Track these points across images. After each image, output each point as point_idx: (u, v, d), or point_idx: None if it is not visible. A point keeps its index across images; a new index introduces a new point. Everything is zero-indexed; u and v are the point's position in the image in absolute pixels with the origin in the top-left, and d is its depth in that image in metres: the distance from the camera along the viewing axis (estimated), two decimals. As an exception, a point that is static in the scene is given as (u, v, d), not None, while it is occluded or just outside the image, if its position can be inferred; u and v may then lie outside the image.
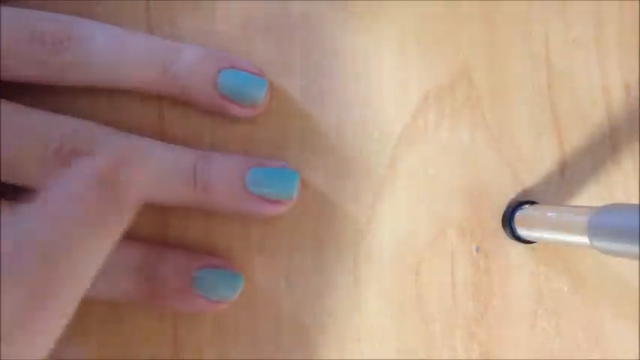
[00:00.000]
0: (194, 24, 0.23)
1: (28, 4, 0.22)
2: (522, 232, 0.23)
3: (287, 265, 0.23)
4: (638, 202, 0.24)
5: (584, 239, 0.18)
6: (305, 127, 0.23)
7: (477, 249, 0.24)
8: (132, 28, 0.23)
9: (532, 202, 0.23)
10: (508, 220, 0.23)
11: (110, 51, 0.20)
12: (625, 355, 0.24)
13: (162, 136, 0.23)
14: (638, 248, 0.16)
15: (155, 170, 0.20)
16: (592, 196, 0.24)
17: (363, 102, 0.24)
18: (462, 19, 0.24)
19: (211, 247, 0.23)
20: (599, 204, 0.18)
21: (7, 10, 0.20)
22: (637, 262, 0.24)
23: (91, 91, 0.22)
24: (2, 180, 0.20)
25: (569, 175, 0.24)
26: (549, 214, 0.21)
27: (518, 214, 0.23)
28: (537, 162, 0.24)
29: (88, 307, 0.22)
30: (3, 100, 0.20)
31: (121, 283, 0.20)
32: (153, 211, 0.23)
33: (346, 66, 0.24)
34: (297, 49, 0.24)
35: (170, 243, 0.22)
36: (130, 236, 0.21)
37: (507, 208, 0.24)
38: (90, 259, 0.15)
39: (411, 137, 0.24)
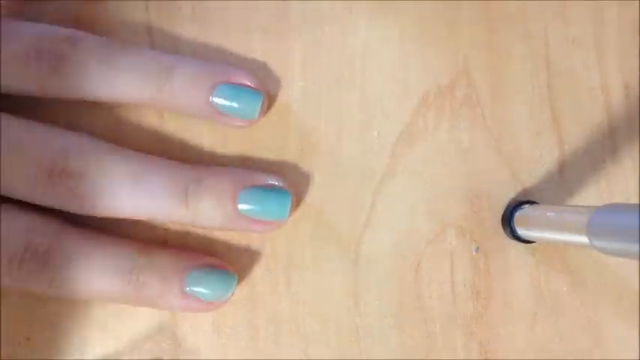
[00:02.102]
0: (193, 25, 0.23)
1: (29, 5, 0.22)
2: (522, 232, 0.23)
3: (287, 265, 0.23)
4: (638, 202, 0.24)
5: (584, 239, 0.18)
6: (305, 127, 0.23)
7: (477, 249, 0.24)
8: (131, 29, 0.23)
9: (531, 202, 0.23)
10: (508, 220, 0.23)
11: (105, 70, 0.20)
12: (625, 355, 0.24)
13: (162, 137, 0.23)
14: (638, 248, 0.16)
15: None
16: (592, 196, 0.24)
17: (363, 102, 0.24)
18: (462, 19, 0.24)
19: (211, 248, 0.23)
20: (599, 204, 0.18)
21: (5, 24, 0.20)
22: (637, 262, 0.24)
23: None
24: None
25: (568, 175, 0.24)
26: (549, 214, 0.21)
27: (518, 214, 0.23)
28: (537, 162, 0.24)
29: (87, 307, 0.22)
30: (3, 114, 0.20)
31: (112, 284, 0.20)
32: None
33: (346, 66, 0.24)
34: (297, 49, 0.24)
35: (170, 245, 0.23)
36: (128, 237, 0.22)
37: (507, 208, 0.24)
38: None
39: (410, 137, 0.24)
